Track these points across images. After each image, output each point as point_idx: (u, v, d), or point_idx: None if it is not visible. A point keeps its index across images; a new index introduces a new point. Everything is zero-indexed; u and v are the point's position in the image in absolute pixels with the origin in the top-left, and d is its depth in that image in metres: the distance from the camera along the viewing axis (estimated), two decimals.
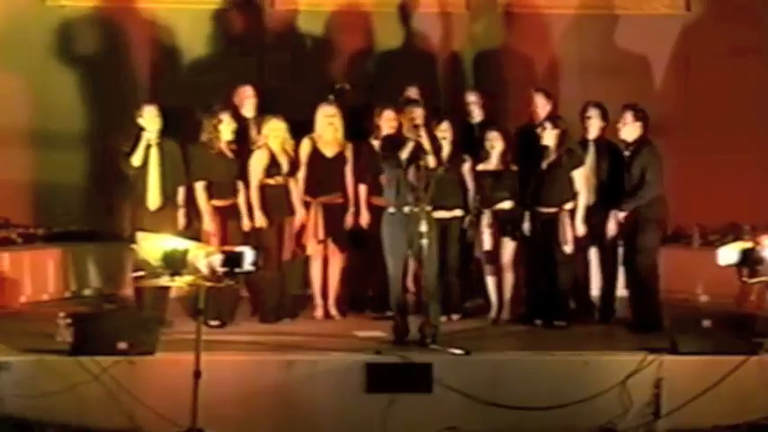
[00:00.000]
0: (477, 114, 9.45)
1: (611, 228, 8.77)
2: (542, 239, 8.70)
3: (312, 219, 8.98)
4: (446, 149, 8.78)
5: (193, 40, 10.86)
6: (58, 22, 10.73)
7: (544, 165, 8.72)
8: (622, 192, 8.64)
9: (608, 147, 8.91)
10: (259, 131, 9.00)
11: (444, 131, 8.81)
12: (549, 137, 8.70)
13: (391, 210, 8.13)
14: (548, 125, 8.74)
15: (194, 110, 10.18)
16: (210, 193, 8.84)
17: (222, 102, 9.11)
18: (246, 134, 9.07)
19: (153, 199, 8.61)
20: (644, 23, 11.05)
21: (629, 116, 8.65)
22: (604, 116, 8.94)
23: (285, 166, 8.87)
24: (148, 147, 8.59)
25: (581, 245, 8.79)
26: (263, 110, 9.24)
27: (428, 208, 8.00)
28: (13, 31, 10.57)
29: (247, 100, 9.29)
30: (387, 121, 8.88)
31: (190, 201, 8.82)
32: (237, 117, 9.00)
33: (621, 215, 8.58)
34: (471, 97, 9.50)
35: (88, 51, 10.78)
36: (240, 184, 8.86)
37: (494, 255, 8.88)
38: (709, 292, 9.27)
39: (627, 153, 8.67)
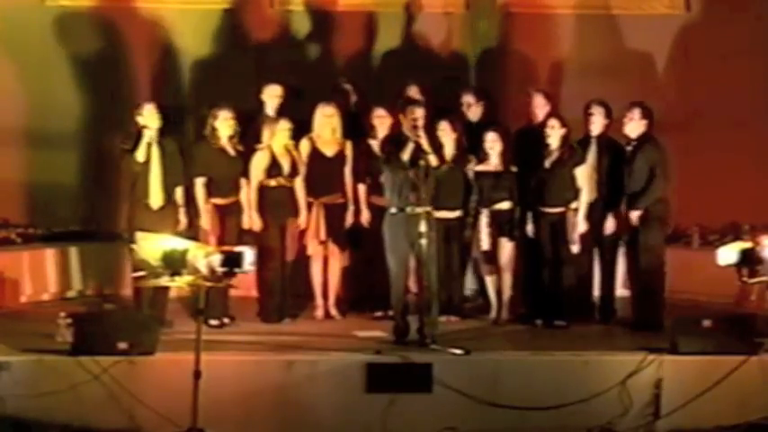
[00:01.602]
0: (474, 114, 9.44)
1: (609, 226, 8.79)
2: (550, 239, 8.70)
3: (314, 219, 8.98)
4: (450, 149, 8.78)
5: (192, 40, 10.83)
6: (57, 22, 10.71)
7: (547, 164, 8.73)
8: (623, 190, 8.65)
9: (610, 145, 8.92)
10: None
11: (444, 131, 8.79)
12: (555, 135, 8.70)
13: (393, 210, 8.13)
14: (555, 123, 8.74)
15: (194, 109, 10.21)
16: (210, 191, 8.84)
17: (227, 100, 9.10)
18: (257, 134, 9.04)
19: (155, 197, 8.60)
20: (644, 23, 11.03)
21: (636, 113, 8.68)
22: (608, 114, 8.95)
23: (287, 168, 8.86)
24: (149, 145, 8.59)
25: (584, 244, 8.79)
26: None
27: (428, 208, 8.02)
28: (13, 31, 10.56)
29: (273, 99, 9.26)
30: (378, 119, 8.93)
31: (190, 200, 8.82)
32: (242, 115, 8.99)
33: (636, 214, 8.55)
34: (468, 98, 9.49)
35: (87, 51, 10.76)
36: (243, 182, 8.86)
37: (492, 255, 8.87)
38: (709, 292, 9.26)
39: (629, 148, 8.68)
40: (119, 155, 8.79)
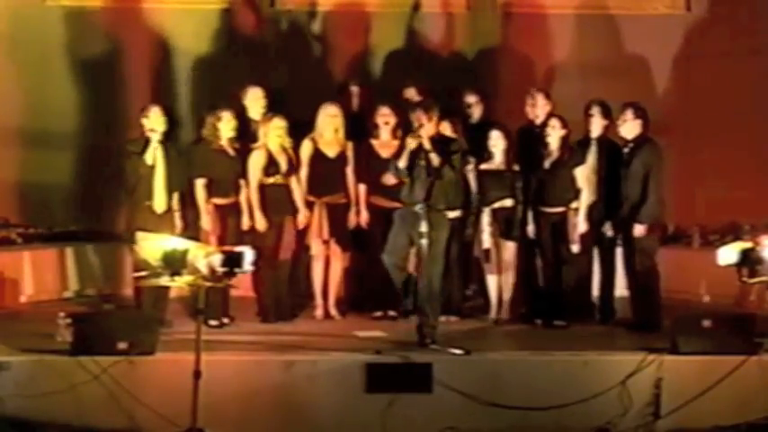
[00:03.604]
0: (475, 115, 9.45)
1: (609, 231, 8.79)
2: (550, 239, 8.70)
3: (316, 219, 8.98)
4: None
5: (193, 41, 10.84)
6: (57, 22, 10.71)
7: (547, 164, 8.73)
8: (621, 193, 8.65)
9: (610, 146, 8.91)
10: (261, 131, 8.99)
11: (445, 132, 8.79)
12: (556, 136, 8.71)
13: (403, 207, 8.14)
14: (556, 124, 8.75)
15: (194, 110, 10.21)
16: (210, 191, 8.83)
17: (227, 101, 9.09)
18: (252, 134, 9.02)
19: (159, 201, 8.58)
20: (644, 23, 11.04)
21: (629, 113, 8.66)
22: (607, 114, 8.94)
23: (284, 166, 8.87)
24: (155, 148, 8.58)
25: (584, 244, 8.79)
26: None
27: (441, 207, 8.06)
28: (13, 31, 10.57)
29: (256, 101, 9.24)
30: (382, 117, 8.93)
31: (189, 202, 8.81)
32: (240, 116, 8.99)
33: (642, 228, 8.52)
34: (470, 98, 9.49)
35: (88, 52, 10.77)
36: (243, 183, 8.86)
37: (493, 254, 8.87)
38: (710, 292, 9.26)
39: (626, 150, 8.68)
40: (125, 156, 8.75)
